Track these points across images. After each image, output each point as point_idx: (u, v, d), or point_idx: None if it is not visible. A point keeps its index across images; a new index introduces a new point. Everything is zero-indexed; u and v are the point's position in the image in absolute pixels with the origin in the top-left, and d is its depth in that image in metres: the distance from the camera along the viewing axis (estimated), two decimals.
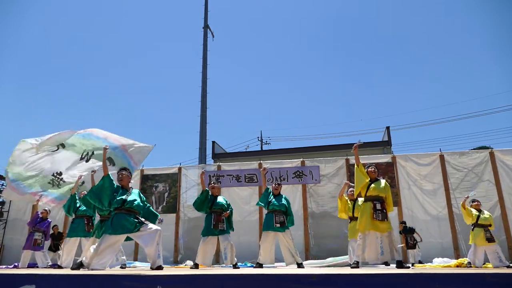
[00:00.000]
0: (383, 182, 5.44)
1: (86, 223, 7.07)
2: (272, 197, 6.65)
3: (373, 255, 5.10)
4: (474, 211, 7.12)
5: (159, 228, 4.78)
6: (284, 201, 6.60)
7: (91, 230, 6.89)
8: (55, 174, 7.79)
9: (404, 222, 9.15)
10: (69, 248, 7.11)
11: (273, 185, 6.77)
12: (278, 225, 6.33)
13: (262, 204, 6.73)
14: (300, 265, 6.34)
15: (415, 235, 8.88)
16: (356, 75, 77.05)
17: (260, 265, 6.41)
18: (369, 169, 5.49)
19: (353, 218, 6.81)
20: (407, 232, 8.92)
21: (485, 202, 9.08)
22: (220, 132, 77.71)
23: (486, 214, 7.17)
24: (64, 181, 7.75)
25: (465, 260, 7.36)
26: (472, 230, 7.08)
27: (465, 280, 2.38)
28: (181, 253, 10.34)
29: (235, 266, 6.15)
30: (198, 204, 6.43)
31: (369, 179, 5.40)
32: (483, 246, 6.90)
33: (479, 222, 6.97)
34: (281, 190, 6.80)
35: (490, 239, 6.81)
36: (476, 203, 7.23)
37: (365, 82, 74.45)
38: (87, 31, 70.50)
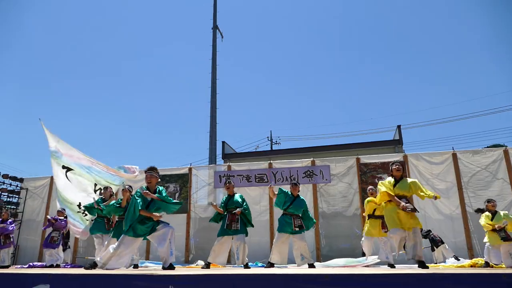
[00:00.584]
0: (408, 180, 5.30)
1: (106, 222, 7.33)
2: (291, 199, 6.53)
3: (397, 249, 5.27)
4: (488, 215, 7.04)
5: (172, 227, 4.83)
6: (303, 205, 6.55)
7: (111, 228, 7.21)
8: (79, 206, 8.25)
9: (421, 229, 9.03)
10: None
11: (291, 186, 6.68)
12: (297, 228, 6.30)
13: (280, 205, 6.57)
14: (311, 266, 6.33)
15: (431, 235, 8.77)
16: (366, 75, 76.53)
17: (271, 265, 6.39)
18: (394, 167, 5.34)
19: (371, 216, 6.91)
20: (427, 235, 8.79)
21: (499, 201, 8.92)
22: (230, 132, 77.94)
23: (502, 214, 7.04)
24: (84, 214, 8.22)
25: (479, 260, 7.26)
26: (487, 231, 6.99)
27: (480, 280, 2.34)
28: (192, 253, 10.38)
29: (246, 266, 6.16)
30: (215, 220, 6.54)
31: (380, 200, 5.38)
32: (498, 245, 6.82)
33: (493, 222, 6.88)
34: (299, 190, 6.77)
35: (505, 238, 6.72)
36: (491, 203, 7.10)
37: (376, 82, 73.90)
38: (95, 32, 71.31)
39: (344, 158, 10.51)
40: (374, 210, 6.94)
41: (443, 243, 8.51)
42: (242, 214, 6.30)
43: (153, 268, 6.96)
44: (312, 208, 10.00)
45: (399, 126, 16.26)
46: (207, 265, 6.13)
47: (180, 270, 4.19)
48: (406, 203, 5.04)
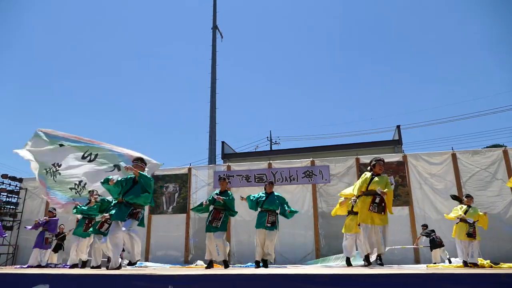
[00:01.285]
0: (385, 177, 5.45)
1: (86, 223, 7.47)
2: (264, 196, 6.79)
3: (368, 248, 5.23)
4: (462, 207, 7.08)
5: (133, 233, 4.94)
6: (277, 201, 6.74)
7: (88, 230, 7.37)
8: (54, 164, 7.98)
9: (426, 225, 9.01)
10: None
11: (266, 184, 6.95)
12: (269, 225, 6.55)
13: (253, 207, 6.87)
14: (265, 263, 6.64)
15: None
16: (366, 75, 76.57)
17: (258, 263, 6.63)
18: (379, 164, 5.50)
19: (351, 212, 6.86)
20: (428, 234, 8.77)
21: (498, 202, 8.95)
22: (229, 132, 78.01)
23: (477, 211, 7.00)
24: (59, 173, 7.90)
25: (480, 261, 7.23)
26: (457, 223, 7.07)
27: (479, 280, 2.34)
28: (192, 253, 10.38)
29: (225, 264, 6.37)
30: (197, 209, 6.69)
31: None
32: (464, 241, 6.85)
33: (466, 216, 6.92)
34: (273, 188, 6.98)
35: (470, 235, 6.74)
36: (468, 198, 7.14)
37: (376, 82, 73.96)
38: (95, 32, 71.24)
39: (343, 158, 10.51)
40: (352, 206, 6.77)
41: (442, 246, 8.52)
42: (224, 211, 6.45)
43: (153, 268, 6.96)
44: (312, 208, 10.00)
45: (398, 126, 16.25)
46: (210, 263, 6.32)
47: (179, 270, 4.18)
48: (380, 199, 5.14)
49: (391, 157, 10.27)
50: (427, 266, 7.50)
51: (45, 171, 7.96)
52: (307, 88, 79.92)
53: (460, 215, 7.01)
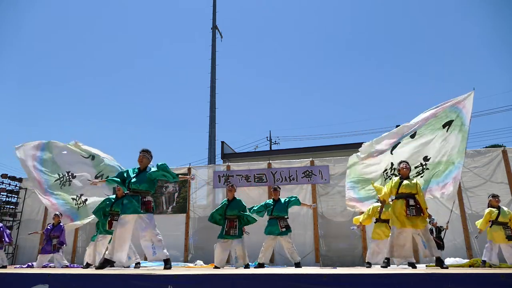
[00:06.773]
0: (414, 179, 5.44)
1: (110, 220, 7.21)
2: (272, 204, 6.97)
3: (408, 253, 5.19)
4: (494, 210, 6.96)
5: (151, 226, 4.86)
6: (284, 206, 6.94)
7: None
8: (69, 173, 8.19)
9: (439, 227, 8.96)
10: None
11: (272, 189, 7.15)
12: (283, 229, 6.74)
13: (260, 214, 7.01)
14: (297, 265, 6.76)
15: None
16: (365, 74, 76.61)
17: (261, 265, 6.77)
18: (401, 166, 5.46)
19: (379, 220, 6.91)
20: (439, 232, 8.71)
21: None
22: (229, 132, 77.99)
23: (506, 210, 6.94)
24: (69, 184, 8.10)
25: (478, 260, 7.24)
26: (490, 227, 6.93)
27: (479, 280, 2.35)
28: (191, 253, 10.38)
29: (246, 266, 6.41)
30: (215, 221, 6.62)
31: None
32: (500, 244, 6.77)
33: (498, 219, 6.80)
34: (280, 193, 7.18)
35: (510, 237, 6.65)
36: (496, 198, 7.04)
37: (374, 81, 74.00)
38: (96, 32, 71.23)
39: (343, 158, 10.49)
40: (380, 213, 6.80)
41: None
42: (240, 218, 6.49)
43: (152, 268, 6.96)
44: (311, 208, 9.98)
45: (397, 126, 16.23)
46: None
47: (179, 270, 4.18)
48: (413, 202, 5.06)
49: None
50: (426, 266, 7.50)
51: (57, 175, 8.03)
52: (307, 88, 79.99)
53: (492, 218, 6.90)
